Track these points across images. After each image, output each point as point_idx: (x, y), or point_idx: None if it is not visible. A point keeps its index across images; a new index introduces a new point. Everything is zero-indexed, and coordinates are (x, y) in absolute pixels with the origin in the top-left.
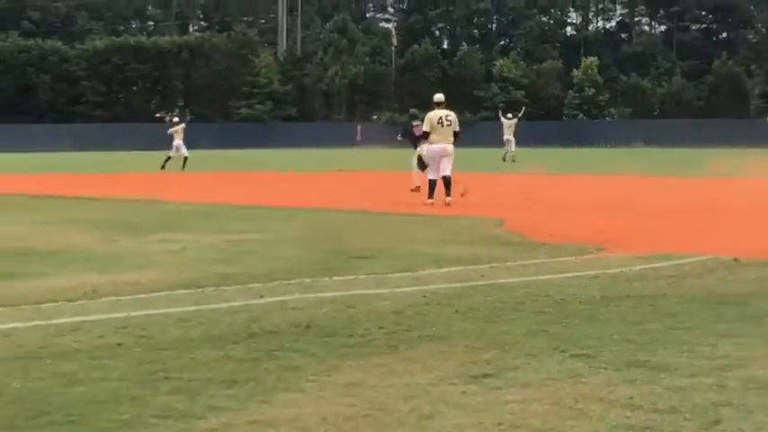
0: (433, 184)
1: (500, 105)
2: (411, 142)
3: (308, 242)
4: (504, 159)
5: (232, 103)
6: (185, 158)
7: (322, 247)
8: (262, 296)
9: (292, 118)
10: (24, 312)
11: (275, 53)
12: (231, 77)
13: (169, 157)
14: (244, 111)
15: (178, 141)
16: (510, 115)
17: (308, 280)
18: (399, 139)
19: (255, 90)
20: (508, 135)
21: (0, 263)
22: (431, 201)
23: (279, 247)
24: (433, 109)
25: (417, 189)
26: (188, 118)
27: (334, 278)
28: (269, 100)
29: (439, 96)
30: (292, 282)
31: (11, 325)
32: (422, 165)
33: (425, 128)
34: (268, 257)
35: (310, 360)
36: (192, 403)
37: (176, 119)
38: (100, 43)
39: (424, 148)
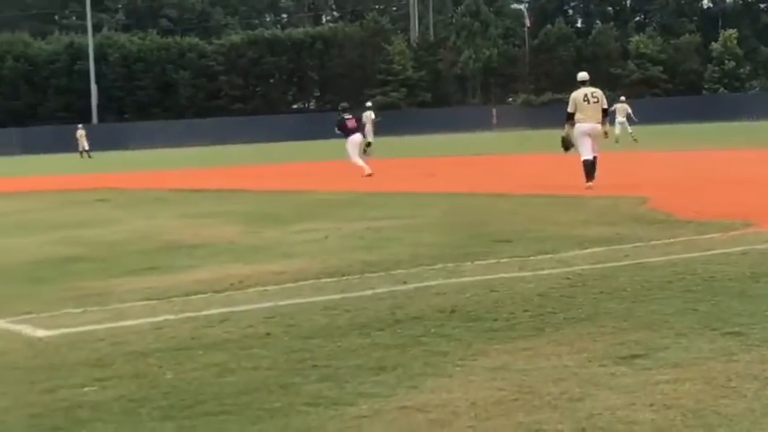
0: (587, 163)
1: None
2: (343, 133)
3: (449, 227)
4: (617, 141)
5: (367, 91)
6: (368, 143)
7: (463, 231)
8: (405, 282)
9: (427, 104)
10: (174, 305)
11: (408, 40)
12: (365, 66)
13: (369, 143)
14: (379, 98)
15: (368, 127)
16: (623, 98)
17: (450, 265)
18: (337, 132)
19: (389, 77)
20: (621, 117)
21: (149, 257)
22: (590, 183)
23: (420, 232)
24: (577, 88)
25: (369, 175)
26: (379, 119)
27: (477, 262)
28: (403, 87)
29: (583, 75)
30: (435, 267)
31: (162, 317)
32: (566, 146)
33: (570, 108)
34: (410, 243)
35: (456, 345)
36: (341, 390)
37: (369, 103)
38: (236, 38)
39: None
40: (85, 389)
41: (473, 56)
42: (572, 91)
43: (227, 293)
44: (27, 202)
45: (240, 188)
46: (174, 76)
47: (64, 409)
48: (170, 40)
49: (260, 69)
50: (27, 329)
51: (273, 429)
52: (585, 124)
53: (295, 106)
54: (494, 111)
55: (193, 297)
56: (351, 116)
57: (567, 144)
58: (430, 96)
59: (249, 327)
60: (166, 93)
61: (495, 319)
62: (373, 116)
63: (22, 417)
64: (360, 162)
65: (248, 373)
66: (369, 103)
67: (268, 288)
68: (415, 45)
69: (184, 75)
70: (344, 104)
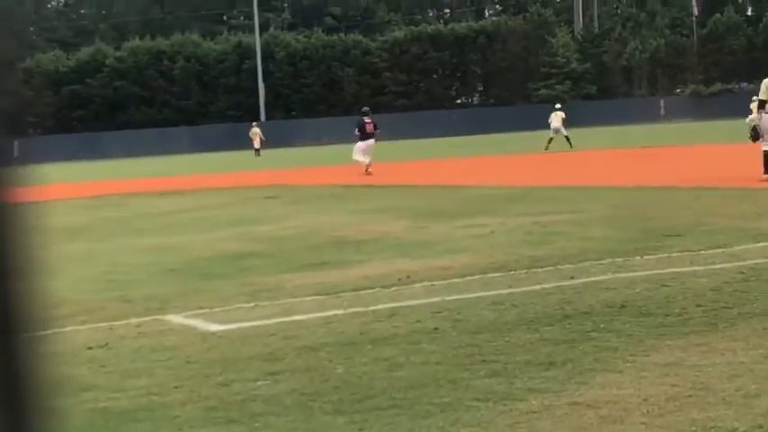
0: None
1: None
2: (360, 134)
3: (617, 221)
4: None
5: (530, 84)
6: (566, 137)
7: (631, 225)
8: (573, 277)
9: (592, 96)
10: (343, 300)
11: (572, 32)
12: (529, 59)
13: (551, 139)
14: (543, 92)
15: (556, 125)
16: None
17: (619, 259)
18: (356, 133)
19: (554, 70)
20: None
21: (318, 252)
22: (767, 176)
23: (587, 227)
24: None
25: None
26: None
27: (646, 257)
28: (567, 79)
29: None
30: (603, 262)
31: (331, 312)
32: (755, 136)
33: (762, 95)
34: (577, 238)
35: (627, 340)
36: (510, 386)
37: (558, 105)
38: (399, 34)
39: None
40: (258, 383)
41: (639, 46)
42: (745, 80)
43: (394, 288)
44: (199, 200)
45: (406, 184)
46: (338, 74)
47: (238, 402)
48: (335, 37)
49: (423, 65)
50: (201, 324)
51: (443, 424)
52: None
53: (459, 101)
54: (661, 102)
55: (361, 292)
56: (370, 120)
57: (757, 134)
58: (595, 89)
59: (417, 322)
60: (332, 90)
61: (667, 315)
62: (563, 115)
63: (198, 409)
64: (361, 160)
65: (417, 367)
66: (558, 105)
67: (435, 283)
68: (579, 37)
69: (349, 72)
70: (366, 109)
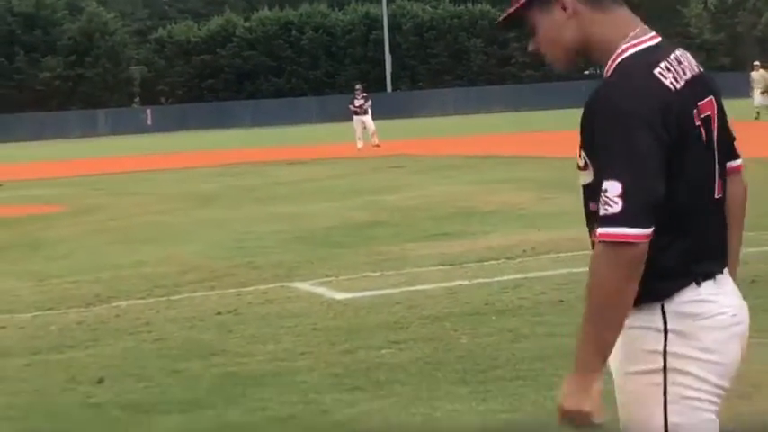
0: None
1: None
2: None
3: None
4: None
5: None
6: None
7: None
8: None
9: (725, 68)
10: (468, 270)
11: (705, 3)
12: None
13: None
14: None
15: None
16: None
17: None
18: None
19: (686, 41)
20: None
21: (443, 223)
22: None
23: None
24: None
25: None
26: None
27: None
28: (700, 50)
29: None
30: None
31: (456, 282)
32: None
33: None
34: None
35: (763, 316)
36: None
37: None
38: None
39: None
40: (383, 351)
41: None
42: None
43: (519, 260)
44: (327, 169)
45: (533, 155)
46: (465, 44)
47: (363, 369)
48: (462, 8)
49: None
50: (327, 292)
51: None
52: None
53: (587, 72)
54: None
55: (486, 263)
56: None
57: None
58: (729, 61)
59: (542, 293)
60: (458, 60)
61: None
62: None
63: (324, 376)
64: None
65: (542, 339)
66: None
67: (561, 255)
68: (712, 8)
69: (476, 42)
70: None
